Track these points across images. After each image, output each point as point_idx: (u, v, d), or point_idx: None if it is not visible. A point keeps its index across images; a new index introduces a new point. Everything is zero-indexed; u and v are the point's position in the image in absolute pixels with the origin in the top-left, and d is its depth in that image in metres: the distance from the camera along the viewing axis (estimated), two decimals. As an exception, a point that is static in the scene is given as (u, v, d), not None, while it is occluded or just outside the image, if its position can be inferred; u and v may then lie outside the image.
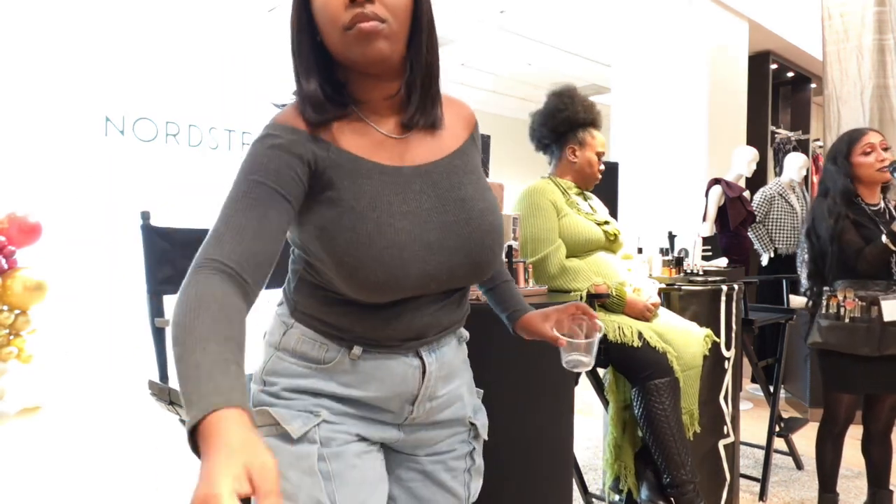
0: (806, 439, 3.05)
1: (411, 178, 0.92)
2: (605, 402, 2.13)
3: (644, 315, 1.99)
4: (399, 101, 0.93)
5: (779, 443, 2.93)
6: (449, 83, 7.88)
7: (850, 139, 2.18)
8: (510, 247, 1.88)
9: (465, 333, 1.10)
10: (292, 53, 0.90)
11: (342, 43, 0.85)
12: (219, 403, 0.62)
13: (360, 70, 0.88)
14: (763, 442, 2.85)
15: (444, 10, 5.54)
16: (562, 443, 1.77)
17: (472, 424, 1.08)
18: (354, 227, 0.85)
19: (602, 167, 2.19)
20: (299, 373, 0.95)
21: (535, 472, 1.66)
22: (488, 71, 7.48)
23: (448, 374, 1.03)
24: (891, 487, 2.25)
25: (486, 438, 1.11)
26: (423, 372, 0.98)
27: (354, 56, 0.85)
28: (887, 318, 2.08)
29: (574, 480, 2.14)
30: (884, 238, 2.04)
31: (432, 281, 0.90)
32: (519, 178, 2.88)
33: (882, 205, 2.19)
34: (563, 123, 2.14)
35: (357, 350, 0.94)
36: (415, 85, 0.92)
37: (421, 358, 0.98)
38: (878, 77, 4.38)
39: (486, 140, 2.13)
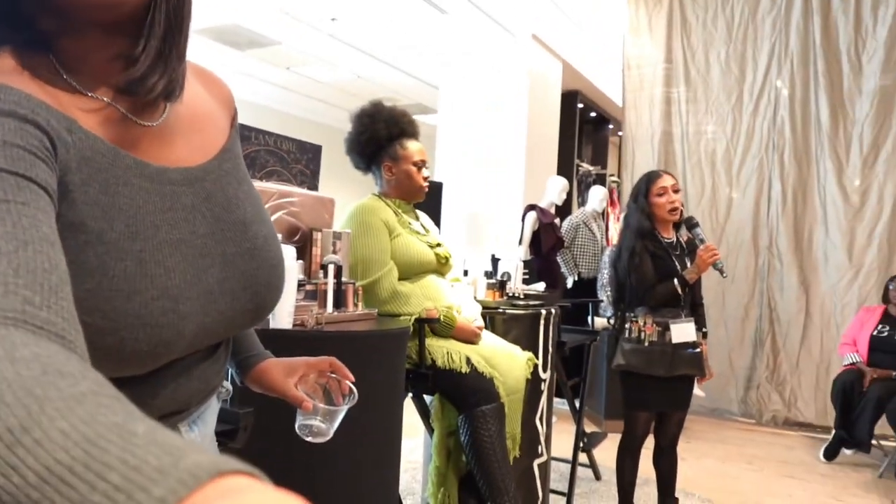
0: (602, 450, 3.30)
1: (180, 188, 0.65)
2: (430, 430, 2.10)
3: (472, 339, 1.99)
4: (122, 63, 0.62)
5: (581, 456, 3.14)
6: (271, 86, 7.54)
7: (648, 180, 2.41)
8: (339, 267, 1.77)
9: (228, 386, 0.88)
10: None
11: None
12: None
13: (81, 16, 0.57)
14: (566, 455, 3.02)
15: (271, 8, 5.28)
16: (388, 471, 1.69)
17: None
18: (104, 268, 0.56)
19: (426, 175, 2.12)
20: None
21: (365, 500, 1.56)
22: (316, 79, 7.27)
23: (208, 444, 0.81)
24: (676, 496, 2.50)
25: None
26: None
27: None
28: (675, 340, 2.31)
29: (394, 507, 2.07)
30: (675, 281, 2.29)
31: (207, 337, 0.67)
32: (349, 192, 2.78)
33: (675, 239, 2.44)
34: (368, 145, 2.08)
35: None
36: (154, 33, 0.61)
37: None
38: (665, 124, 4.98)
39: (317, 150, 2.01)
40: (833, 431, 3.76)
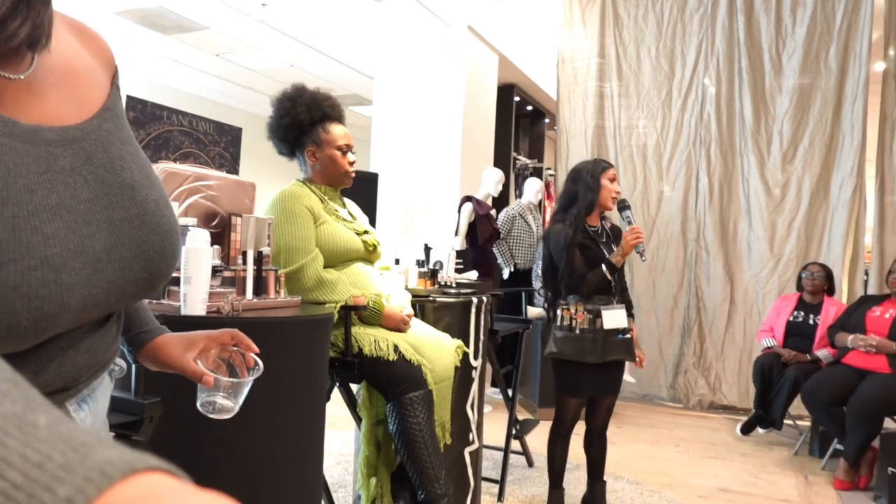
0: (534, 437, 3.33)
1: (56, 149, 0.60)
2: (358, 419, 2.06)
3: (400, 327, 1.95)
4: None
5: (513, 443, 3.15)
6: (201, 73, 7.27)
7: (605, 165, 2.42)
8: (260, 253, 1.71)
9: (122, 364, 0.82)
10: None
11: None
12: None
13: None
14: (499, 443, 3.04)
15: (198, -8, 5.08)
16: (312, 462, 1.64)
17: None
18: None
19: (352, 159, 2.06)
20: None
21: (282, 493, 1.51)
22: (245, 66, 7.05)
23: (100, 426, 0.76)
24: (604, 478, 2.54)
25: None
26: None
27: None
28: (607, 326, 2.34)
29: (323, 500, 2.02)
30: (603, 267, 2.32)
31: (97, 308, 0.62)
32: (272, 179, 2.69)
33: (599, 227, 2.48)
34: (290, 129, 2.01)
35: None
36: None
37: (69, 416, 0.66)
38: (598, 118, 5.07)
39: (237, 133, 1.92)
40: (752, 413, 3.92)
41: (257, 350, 0.86)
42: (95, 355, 0.68)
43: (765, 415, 3.72)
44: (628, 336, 2.40)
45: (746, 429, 3.85)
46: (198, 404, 0.83)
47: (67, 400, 0.67)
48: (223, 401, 0.82)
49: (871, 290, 4.23)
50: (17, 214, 0.54)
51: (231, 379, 0.83)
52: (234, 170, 1.79)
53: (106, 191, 0.63)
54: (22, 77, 0.59)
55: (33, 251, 0.55)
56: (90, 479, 0.23)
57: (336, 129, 2.03)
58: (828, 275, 3.88)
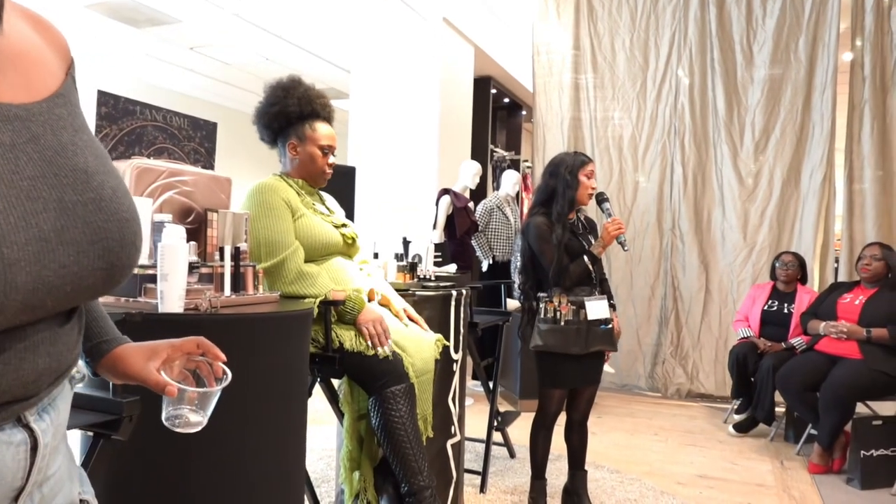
0: (516, 428, 3.35)
1: None
2: (340, 414, 2.05)
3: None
4: None
5: (495, 435, 3.17)
6: (173, 67, 7.15)
7: (583, 160, 2.43)
8: (238, 249, 1.69)
9: (83, 369, 0.78)
10: None
11: None
12: None
13: None
14: (481, 435, 3.05)
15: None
16: (294, 458, 1.63)
17: (84, 502, 0.76)
18: None
19: (332, 161, 2.06)
20: None
21: (264, 490, 1.50)
22: (220, 59, 6.95)
23: (60, 438, 0.71)
24: (585, 468, 2.56)
25: None
26: (34, 448, 0.63)
27: None
28: (591, 316, 2.36)
29: (306, 496, 2.02)
30: (586, 258, 2.34)
31: (50, 296, 0.58)
32: (248, 173, 2.66)
33: (576, 219, 2.49)
34: (276, 118, 2.00)
35: None
36: None
37: (29, 428, 0.63)
38: (574, 110, 5.09)
39: (212, 128, 1.90)
40: (733, 402, 3.98)
41: (224, 358, 0.83)
42: (56, 358, 0.64)
43: (749, 404, 3.75)
44: (610, 326, 2.42)
45: (741, 428, 3.84)
46: (163, 418, 0.79)
47: (27, 410, 0.63)
48: (190, 414, 0.78)
49: (842, 277, 4.32)
50: None
51: (197, 389, 0.79)
52: (209, 165, 1.77)
53: (55, 171, 0.59)
54: None
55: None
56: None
57: (322, 129, 2.02)
58: (800, 263, 3.96)
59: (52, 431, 0.66)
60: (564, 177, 2.40)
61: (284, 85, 2.00)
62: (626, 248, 2.38)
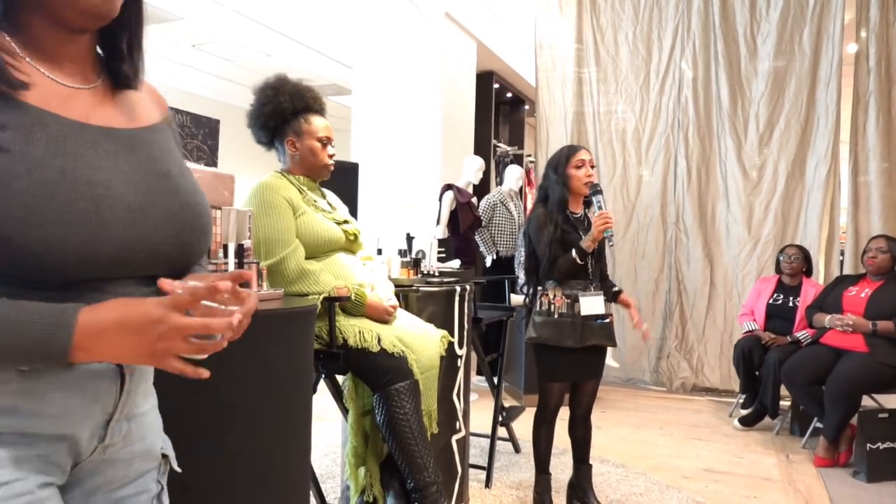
0: (521, 423, 3.35)
1: (101, 138, 0.76)
2: (345, 411, 2.05)
3: (384, 317, 1.95)
4: (85, 49, 0.80)
5: (500, 430, 3.18)
6: (176, 64, 7.15)
7: (569, 153, 2.42)
8: (241, 246, 1.68)
9: None
10: None
11: None
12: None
13: (65, 22, 0.74)
14: (486, 430, 3.06)
15: (170, -19, 4.98)
16: (299, 454, 1.63)
17: (165, 457, 0.89)
18: (31, 174, 0.66)
19: (332, 153, 2.06)
20: None
21: (269, 486, 1.50)
22: (222, 56, 6.95)
23: (146, 387, 0.87)
24: (590, 462, 2.56)
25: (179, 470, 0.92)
26: (121, 380, 0.78)
27: (85, 7, 0.73)
28: (584, 312, 2.36)
29: (311, 492, 2.02)
30: (573, 253, 2.32)
31: (132, 253, 0.74)
32: (251, 172, 2.66)
33: (582, 213, 2.48)
34: (271, 118, 2.00)
35: None
36: (127, 27, 0.83)
37: (119, 366, 0.78)
38: (577, 104, 5.08)
39: (214, 125, 1.90)
40: (738, 396, 3.98)
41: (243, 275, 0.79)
42: None
43: (755, 401, 3.74)
44: (607, 321, 2.41)
45: (746, 422, 3.83)
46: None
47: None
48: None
49: (847, 270, 4.30)
50: (66, 164, 0.69)
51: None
52: (212, 162, 1.76)
53: (145, 171, 0.78)
54: (83, 88, 0.78)
55: (79, 190, 0.69)
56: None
57: (317, 121, 2.02)
58: (805, 256, 3.94)
59: (137, 371, 0.81)
60: (551, 175, 2.41)
61: (273, 84, 2.00)
62: (610, 244, 2.35)
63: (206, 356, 0.74)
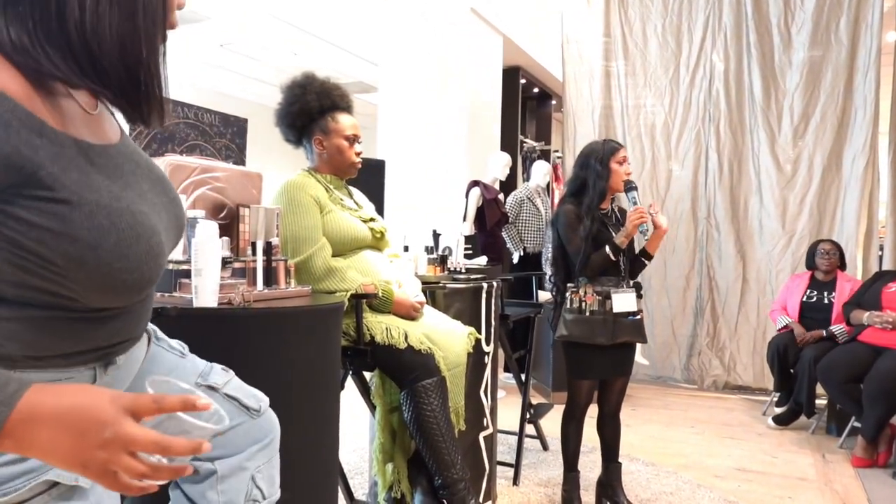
0: (549, 420, 3.33)
1: (117, 158, 0.82)
2: (372, 407, 2.06)
3: (411, 314, 1.95)
4: None
5: (527, 427, 3.16)
6: (203, 64, 7.25)
7: (612, 148, 2.38)
8: (269, 243, 1.70)
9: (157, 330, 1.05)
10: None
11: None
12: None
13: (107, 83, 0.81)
14: (514, 428, 3.04)
15: (199, -18, 5.05)
16: (327, 450, 1.64)
17: None
18: (115, 226, 0.74)
19: (359, 150, 2.06)
20: None
21: (298, 482, 1.51)
22: (249, 56, 7.02)
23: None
24: (619, 460, 2.53)
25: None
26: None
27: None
28: (617, 309, 2.33)
29: (339, 487, 2.03)
30: (607, 248, 2.29)
31: (161, 268, 0.84)
32: (278, 168, 2.68)
33: (610, 209, 2.45)
34: (298, 117, 2.00)
35: (119, 360, 0.86)
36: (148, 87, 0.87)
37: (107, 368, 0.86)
38: (605, 98, 5.01)
39: (242, 124, 1.91)
40: (773, 394, 3.89)
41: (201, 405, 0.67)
42: (147, 316, 0.93)
43: (795, 405, 3.66)
44: (639, 318, 2.38)
45: (781, 420, 3.74)
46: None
47: (135, 344, 0.90)
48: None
49: (886, 266, 4.18)
50: (129, 203, 0.77)
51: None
52: (240, 161, 1.78)
53: (153, 183, 0.87)
54: (94, 113, 0.83)
55: (147, 227, 0.78)
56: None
57: (344, 119, 2.02)
58: (840, 252, 3.84)
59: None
60: (595, 167, 2.36)
61: (300, 83, 2.01)
62: (645, 239, 2.34)
63: (138, 491, 0.61)
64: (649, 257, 2.48)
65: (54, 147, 0.69)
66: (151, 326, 1.02)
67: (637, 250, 2.51)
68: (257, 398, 1.11)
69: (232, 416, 1.02)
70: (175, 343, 1.07)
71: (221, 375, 1.07)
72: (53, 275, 0.70)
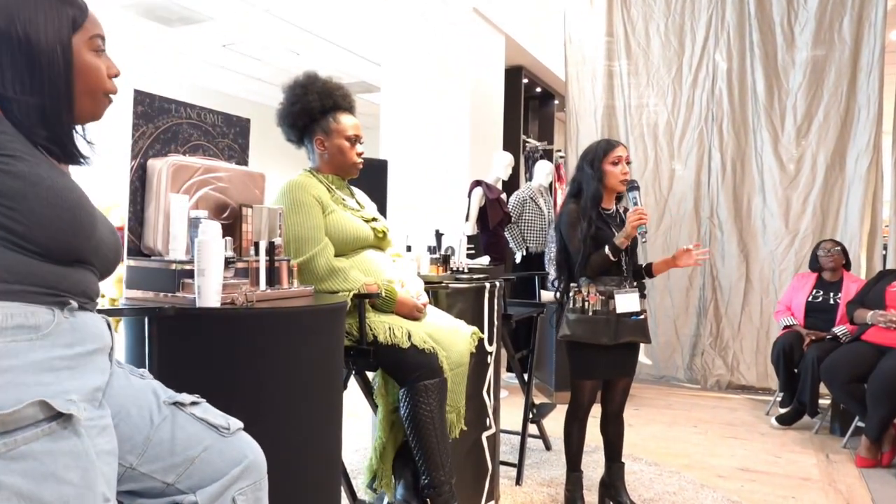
0: (552, 420, 3.33)
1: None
2: (374, 407, 2.06)
3: (414, 314, 1.95)
4: None
5: (530, 427, 3.15)
6: (206, 64, 7.26)
7: (606, 147, 2.38)
8: (272, 243, 1.70)
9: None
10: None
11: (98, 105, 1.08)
12: None
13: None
14: (516, 427, 3.04)
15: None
16: (329, 450, 1.64)
17: None
18: (50, 176, 0.95)
19: (361, 151, 2.05)
20: (14, 351, 0.88)
21: (300, 481, 1.51)
22: (252, 56, 7.03)
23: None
24: (622, 460, 2.53)
25: None
26: (108, 325, 1.08)
27: (97, 118, 1.08)
28: (620, 310, 2.32)
29: (342, 487, 2.03)
30: (606, 249, 2.29)
31: (103, 250, 1.05)
32: (281, 169, 2.68)
33: (614, 210, 2.44)
34: (300, 117, 2.00)
35: (74, 304, 0.98)
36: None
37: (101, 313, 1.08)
38: (608, 98, 5.00)
39: (245, 124, 1.91)
40: (777, 394, 3.88)
41: None
42: (96, 285, 1.08)
43: (794, 397, 3.65)
44: (642, 318, 2.37)
45: (784, 420, 3.74)
46: None
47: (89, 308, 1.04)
48: None
49: (890, 265, 4.17)
50: (65, 177, 1.00)
51: None
52: (243, 161, 1.78)
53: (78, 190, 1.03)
54: None
55: (78, 191, 0.99)
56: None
57: (346, 119, 2.02)
58: (843, 249, 3.83)
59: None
60: (587, 169, 2.36)
61: (302, 82, 2.00)
62: (643, 240, 2.31)
63: None
64: (651, 275, 2.48)
65: (9, 136, 0.94)
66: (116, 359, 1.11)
67: (638, 251, 2.50)
68: (227, 419, 1.14)
69: (201, 437, 1.08)
70: (137, 370, 1.18)
71: (189, 398, 1.13)
72: (5, 208, 0.89)
